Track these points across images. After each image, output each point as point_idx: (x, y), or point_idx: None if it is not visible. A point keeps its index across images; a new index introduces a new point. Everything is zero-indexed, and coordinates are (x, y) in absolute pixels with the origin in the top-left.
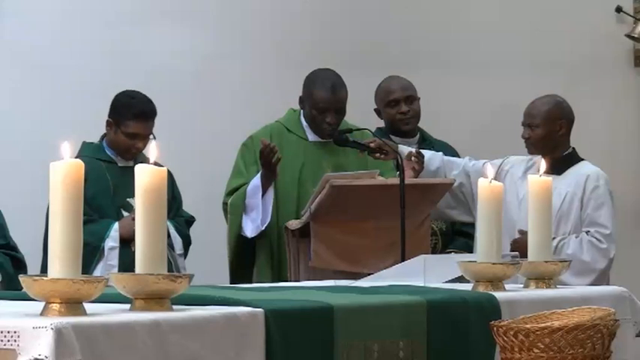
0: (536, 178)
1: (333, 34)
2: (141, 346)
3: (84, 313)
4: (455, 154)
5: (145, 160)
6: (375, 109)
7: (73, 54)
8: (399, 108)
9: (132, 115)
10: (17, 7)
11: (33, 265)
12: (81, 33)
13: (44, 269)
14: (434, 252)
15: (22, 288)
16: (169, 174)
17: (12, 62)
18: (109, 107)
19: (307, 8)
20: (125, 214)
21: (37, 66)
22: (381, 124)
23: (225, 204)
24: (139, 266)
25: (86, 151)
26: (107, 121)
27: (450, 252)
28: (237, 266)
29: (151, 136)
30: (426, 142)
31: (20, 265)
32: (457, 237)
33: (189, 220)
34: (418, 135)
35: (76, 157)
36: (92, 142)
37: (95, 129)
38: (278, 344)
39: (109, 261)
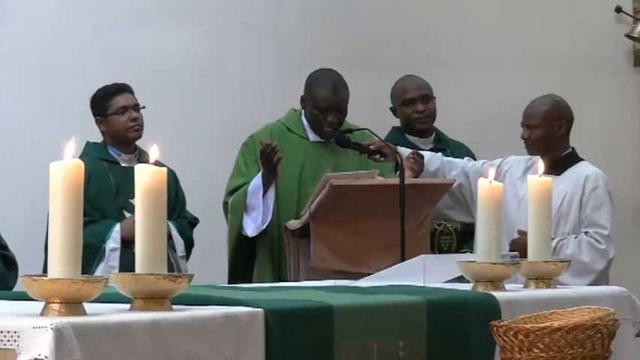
0: (535, 178)
1: (333, 34)
2: (141, 346)
3: (84, 313)
4: (469, 153)
5: (148, 161)
6: (391, 108)
7: (73, 54)
8: (415, 107)
9: (110, 97)
10: (17, 7)
11: (33, 265)
12: (80, 33)
13: (45, 269)
14: (449, 251)
15: (12, 286)
16: (173, 174)
17: (12, 62)
18: (91, 111)
19: (307, 8)
20: (127, 214)
21: (37, 66)
22: (393, 122)
23: (225, 203)
24: (139, 266)
25: (89, 151)
26: (96, 120)
27: (465, 252)
28: (237, 266)
29: (141, 105)
30: (442, 141)
31: (11, 265)
32: (472, 237)
33: (193, 222)
34: (434, 134)
35: (80, 157)
36: (96, 142)
37: (95, 129)
38: (278, 344)
39: (109, 262)
